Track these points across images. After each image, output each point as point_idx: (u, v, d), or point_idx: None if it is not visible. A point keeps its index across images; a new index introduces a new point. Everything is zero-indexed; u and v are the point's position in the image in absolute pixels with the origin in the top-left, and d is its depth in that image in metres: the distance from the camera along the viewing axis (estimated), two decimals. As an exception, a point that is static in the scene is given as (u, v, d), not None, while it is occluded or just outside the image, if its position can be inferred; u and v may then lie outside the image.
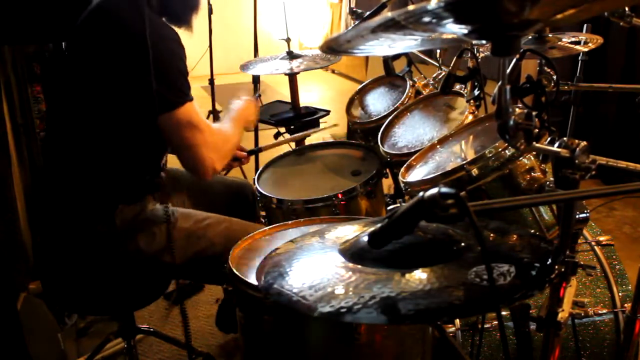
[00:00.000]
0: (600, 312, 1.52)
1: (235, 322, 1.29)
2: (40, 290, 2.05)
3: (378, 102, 2.22)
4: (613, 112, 3.55)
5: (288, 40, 2.53)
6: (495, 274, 0.77)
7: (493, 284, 0.73)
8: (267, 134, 2.92)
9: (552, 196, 0.92)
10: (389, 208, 1.92)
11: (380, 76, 2.35)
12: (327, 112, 2.49)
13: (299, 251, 0.98)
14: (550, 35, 1.93)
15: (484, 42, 1.67)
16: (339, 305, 0.75)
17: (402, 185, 1.48)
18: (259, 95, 2.15)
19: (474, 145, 1.54)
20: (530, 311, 1.42)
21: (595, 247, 1.62)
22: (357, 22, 2.23)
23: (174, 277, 1.78)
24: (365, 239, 0.85)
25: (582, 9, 0.75)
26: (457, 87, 1.82)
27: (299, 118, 2.46)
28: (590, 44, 1.90)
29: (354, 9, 2.31)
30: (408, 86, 2.08)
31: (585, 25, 2.08)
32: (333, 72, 7.10)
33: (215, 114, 3.74)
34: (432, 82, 2.15)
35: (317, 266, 0.90)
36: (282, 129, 2.48)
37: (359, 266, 0.84)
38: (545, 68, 1.19)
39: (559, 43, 1.90)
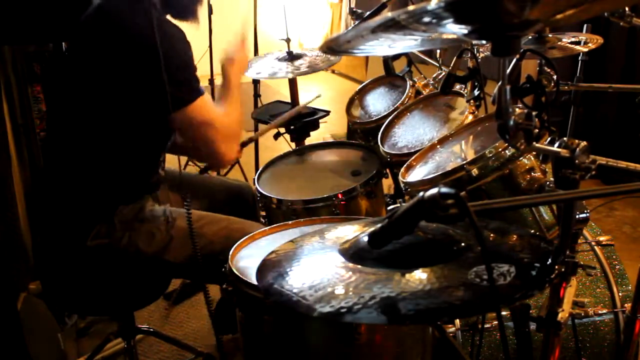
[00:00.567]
0: (600, 312, 1.52)
1: (231, 322, 1.29)
2: (40, 290, 2.05)
3: (378, 102, 2.22)
4: (613, 112, 3.55)
5: (288, 40, 2.53)
6: (495, 274, 0.77)
7: (493, 284, 0.73)
8: (267, 134, 2.91)
9: (552, 196, 0.92)
10: (389, 208, 1.92)
11: (380, 76, 2.35)
12: (327, 113, 2.49)
13: (299, 251, 0.98)
14: (550, 35, 1.93)
15: (484, 42, 1.67)
16: (339, 305, 0.75)
17: (402, 185, 1.48)
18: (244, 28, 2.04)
19: (474, 145, 1.54)
20: (530, 311, 1.42)
21: (595, 247, 1.62)
22: (357, 22, 2.23)
23: (174, 276, 1.78)
24: (365, 239, 0.85)
25: (582, 9, 0.75)
26: (457, 87, 1.82)
27: (299, 118, 2.46)
28: (590, 44, 1.90)
29: (354, 9, 2.31)
30: (408, 86, 2.08)
31: (585, 25, 2.08)
32: (333, 72, 7.10)
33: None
34: (432, 82, 2.15)
35: (317, 266, 0.90)
36: (282, 129, 2.47)
37: (359, 266, 0.84)
38: (545, 68, 1.19)
39: (559, 43, 1.90)
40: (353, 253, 0.88)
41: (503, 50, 0.79)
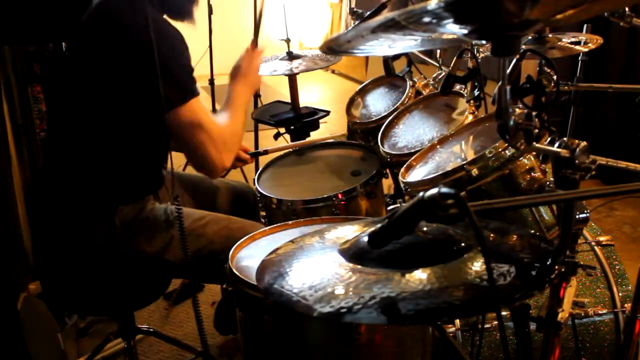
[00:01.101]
0: (600, 312, 1.52)
1: (233, 323, 1.29)
2: (40, 290, 2.05)
3: (378, 102, 2.22)
4: (613, 112, 3.55)
5: (288, 40, 2.53)
6: (495, 274, 0.77)
7: (493, 284, 0.73)
8: (267, 134, 2.92)
9: (552, 196, 0.92)
10: (389, 208, 1.92)
11: (380, 76, 2.35)
12: (327, 113, 2.49)
13: (299, 251, 0.98)
14: (550, 35, 1.93)
15: (484, 42, 1.67)
16: (339, 305, 0.75)
17: (402, 185, 1.48)
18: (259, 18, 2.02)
19: (474, 145, 1.54)
20: (530, 311, 1.42)
21: (595, 247, 1.62)
22: (357, 22, 2.23)
23: (174, 276, 1.78)
24: (365, 239, 0.85)
25: (582, 9, 0.75)
26: (457, 87, 1.82)
27: (299, 118, 2.46)
28: (590, 44, 1.90)
29: (354, 9, 2.31)
30: (408, 86, 2.08)
31: (585, 25, 2.08)
32: (333, 72, 7.10)
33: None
34: (432, 82, 2.14)
35: (317, 266, 0.90)
36: (282, 129, 2.47)
37: (359, 266, 0.84)
38: (545, 68, 1.19)
39: (559, 43, 1.90)
40: (353, 253, 0.88)
41: (503, 50, 0.79)
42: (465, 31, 0.76)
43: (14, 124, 2.33)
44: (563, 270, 1.02)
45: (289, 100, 2.57)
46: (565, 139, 0.92)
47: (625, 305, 1.52)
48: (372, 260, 0.83)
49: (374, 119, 2.05)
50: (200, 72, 3.83)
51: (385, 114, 2.01)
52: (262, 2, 1.89)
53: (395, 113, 1.97)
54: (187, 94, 1.51)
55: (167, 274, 1.70)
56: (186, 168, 2.76)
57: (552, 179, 1.29)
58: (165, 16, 1.60)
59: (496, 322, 1.48)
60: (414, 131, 1.85)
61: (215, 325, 2.27)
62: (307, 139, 2.37)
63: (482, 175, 1.30)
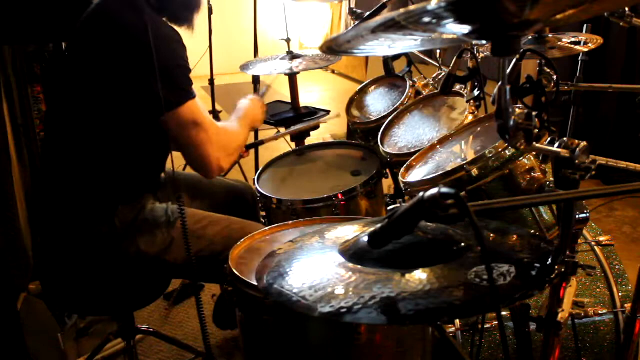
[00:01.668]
0: (600, 312, 1.52)
1: (232, 318, 1.29)
2: (40, 291, 2.05)
3: (378, 102, 2.22)
4: (613, 112, 3.55)
5: (288, 40, 2.53)
6: (495, 274, 0.77)
7: (493, 284, 0.73)
8: (267, 134, 2.92)
9: (552, 196, 0.92)
10: (389, 208, 1.92)
11: (380, 76, 2.35)
12: (327, 112, 2.49)
13: (299, 251, 0.98)
14: (550, 36, 1.93)
15: (484, 42, 1.67)
16: (339, 305, 0.75)
17: (402, 185, 1.48)
18: (265, 90, 2.15)
19: (474, 145, 1.54)
20: (530, 311, 1.42)
21: (595, 247, 1.62)
22: (357, 23, 2.23)
23: (174, 276, 1.78)
24: (365, 239, 0.85)
25: (582, 9, 0.75)
26: (457, 87, 1.82)
27: (299, 118, 2.46)
28: (590, 44, 1.90)
29: (354, 9, 2.31)
30: (408, 86, 2.08)
31: (585, 25, 2.08)
32: (333, 72, 7.10)
33: (215, 114, 3.74)
34: (432, 82, 2.15)
35: (317, 266, 0.90)
36: (282, 129, 2.48)
37: (359, 266, 0.84)
38: (545, 68, 1.19)
39: (559, 43, 1.90)
40: (353, 253, 0.88)
41: (503, 50, 0.79)
42: (465, 31, 0.76)
43: (14, 124, 2.33)
44: (563, 270, 1.02)
45: (289, 100, 2.57)
46: (565, 139, 0.92)
47: (625, 305, 1.52)
48: (372, 260, 0.83)
49: (374, 119, 2.05)
50: (200, 72, 3.85)
51: (385, 114, 2.02)
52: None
53: (395, 113, 1.97)
54: (185, 95, 1.51)
55: (167, 274, 1.70)
56: (186, 168, 2.76)
57: (552, 179, 1.29)
58: (164, 19, 1.60)
59: (496, 322, 1.48)
60: (414, 131, 1.85)
61: (214, 320, 2.27)
62: (303, 126, 2.36)
63: (482, 175, 1.30)
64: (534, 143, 0.95)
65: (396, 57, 2.28)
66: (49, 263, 1.63)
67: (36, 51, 2.39)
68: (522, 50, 1.21)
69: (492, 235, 0.94)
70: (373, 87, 2.34)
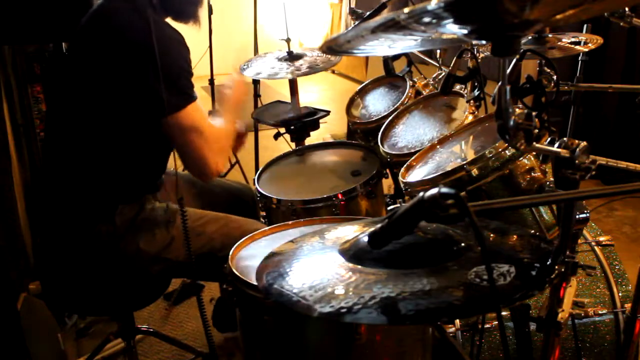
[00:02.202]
0: (600, 312, 1.52)
1: (231, 320, 1.29)
2: (40, 290, 2.05)
3: (378, 102, 2.22)
4: (613, 112, 3.55)
5: (288, 40, 2.53)
6: (495, 274, 0.77)
7: (493, 284, 0.73)
8: (267, 134, 2.92)
9: (552, 196, 0.92)
10: (389, 208, 1.92)
11: (380, 76, 2.35)
12: (327, 113, 2.49)
13: (299, 251, 0.98)
14: (550, 35, 1.93)
15: (484, 42, 1.66)
16: (339, 305, 0.75)
17: (402, 185, 1.48)
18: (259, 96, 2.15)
19: (474, 145, 1.54)
20: (530, 311, 1.42)
21: (595, 247, 1.62)
22: (357, 22, 2.23)
23: (174, 276, 1.78)
24: (365, 239, 0.85)
25: (582, 9, 0.75)
26: (457, 87, 1.82)
27: (299, 118, 2.46)
28: (590, 44, 1.90)
29: (354, 9, 2.31)
30: (408, 86, 2.08)
31: (585, 25, 2.08)
32: (333, 72, 7.10)
33: (215, 114, 3.74)
34: (432, 82, 2.14)
35: (317, 266, 0.90)
36: (282, 129, 2.47)
37: (359, 266, 0.84)
38: (545, 68, 1.19)
39: (559, 43, 1.90)
40: (353, 253, 0.88)
41: (503, 50, 0.79)
42: (465, 31, 0.76)
43: (14, 124, 2.33)
44: (563, 270, 1.02)
45: (289, 100, 2.57)
46: (565, 139, 0.92)
47: (625, 305, 1.52)
48: (372, 260, 0.83)
49: (374, 119, 2.05)
50: (200, 72, 3.86)
51: (385, 114, 2.02)
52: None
53: (395, 113, 1.97)
54: (186, 99, 1.51)
55: (168, 273, 1.70)
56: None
57: (552, 179, 1.29)
58: (169, 19, 1.60)
59: (496, 322, 1.48)
60: (414, 131, 1.85)
61: (214, 323, 2.26)
62: (305, 138, 2.37)
63: (482, 175, 1.30)
64: (534, 143, 0.95)
65: (396, 57, 2.28)
66: (49, 263, 1.63)
67: (36, 51, 2.39)
68: (522, 50, 1.21)
69: (492, 235, 0.94)
70: (373, 87, 2.34)
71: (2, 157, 2.13)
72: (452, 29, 0.76)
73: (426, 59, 2.49)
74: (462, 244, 0.86)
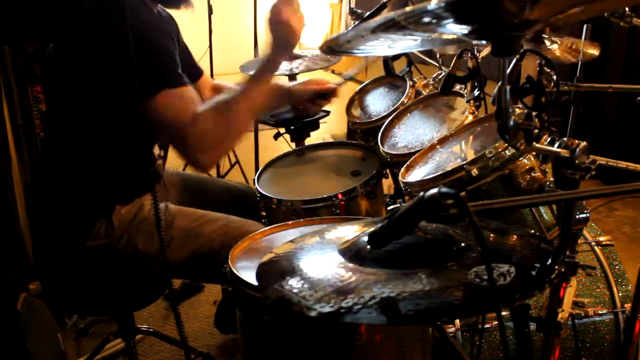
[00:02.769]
0: (600, 312, 1.52)
1: (234, 322, 1.29)
2: (40, 291, 2.05)
3: (378, 102, 2.22)
4: (613, 113, 3.55)
5: (288, 40, 2.52)
6: (495, 274, 0.77)
7: (493, 284, 0.73)
8: (267, 134, 2.92)
9: (552, 196, 0.92)
10: (389, 208, 1.92)
11: (380, 76, 2.35)
12: (327, 113, 2.49)
13: (299, 251, 0.98)
14: (548, 37, 1.93)
15: (484, 42, 1.66)
16: (339, 305, 0.75)
17: (402, 185, 1.48)
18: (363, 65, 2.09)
19: (474, 145, 1.54)
20: (530, 311, 1.42)
21: (595, 247, 1.62)
22: (357, 22, 2.23)
23: (173, 276, 1.78)
24: (365, 239, 0.85)
25: (582, 9, 0.75)
26: (457, 87, 1.82)
27: (299, 119, 2.46)
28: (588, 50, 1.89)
29: (354, 9, 2.31)
30: (408, 86, 2.08)
31: (585, 26, 2.08)
32: (333, 72, 7.10)
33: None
34: (432, 82, 2.14)
35: (317, 266, 0.90)
36: (282, 129, 2.47)
37: (359, 266, 0.84)
38: (545, 68, 1.19)
39: (554, 49, 1.89)
40: (353, 253, 0.88)
41: (503, 50, 0.79)
42: (465, 31, 0.76)
43: (14, 124, 2.33)
44: (563, 270, 1.02)
45: (288, 100, 2.57)
46: (565, 139, 0.92)
47: (625, 305, 1.52)
48: (372, 260, 0.83)
49: (374, 119, 2.05)
50: (200, 72, 3.86)
51: (385, 114, 2.02)
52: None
53: (395, 113, 1.97)
54: (161, 83, 1.42)
55: (167, 274, 1.70)
56: (186, 167, 2.76)
57: (552, 179, 1.29)
58: (160, 6, 1.59)
59: (496, 322, 1.48)
60: (414, 131, 1.85)
61: (216, 324, 2.27)
62: (305, 138, 2.36)
63: (482, 175, 1.30)
64: (534, 143, 0.95)
65: (396, 57, 2.28)
66: (49, 263, 1.63)
67: (36, 51, 2.39)
68: (522, 50, 1.21)
69: (492, 235, 0.94)
70: (373, 87, 2.34)
71: (2, 157, 2.13)
72: (452, 29, 0.76)
73: (426, 59, 2.49)
74: (462, 244, 0.86)
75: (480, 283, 0.76)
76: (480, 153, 1.32)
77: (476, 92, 1.69)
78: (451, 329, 1.47)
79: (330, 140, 2.33)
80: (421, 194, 0.69)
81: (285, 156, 2.15)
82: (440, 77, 2.08)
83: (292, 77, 2.44)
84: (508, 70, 0.86)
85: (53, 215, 1.61)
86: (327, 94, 1.92)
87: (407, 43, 0.86)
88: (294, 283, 0.84)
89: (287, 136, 2.40)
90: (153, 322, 2.40)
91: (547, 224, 1.33)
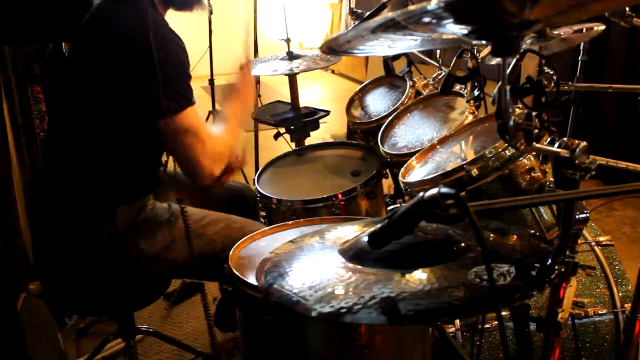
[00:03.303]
0: (600, 312, 1.52)
1: (233, 320, 1.30)
2: (40, 291, 2.05)
3: (378, 102, 2.22)
4: (613, 113, 3.55)
5: (288, 40, 2.53)
6: (495, 274, 0.77)
7: (493, 284, 0.73)
8: (267, 134, 2.92)
9: (552, 196, 0.92)
10: (389, 208, 1.92)
11: (380, 76, 2.35)
12: (327, 113, 2.49)
13: (299, 251, 0.98)
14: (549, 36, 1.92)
15: (484, 42, 1.66)
16: (339, 305, 0.75)
17: (402, 185, 1.48)
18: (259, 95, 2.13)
19: (474, 145, 1.54)
20: (530, 311, 1.42)
21: (595, 247, 1.62)
22: (357, 23, 2.23)
23: (175, 277, 1.78)
24: (365, 239, 0.85)
25: (582, 9, 0.75)
26: (457, 87, 1.82)
27: (299, 118, 2.46)
28: (594, 29, 1.85)
29: (354, 9, 2.31)
30: (408, 86, 2.08)
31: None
32: (333, 72, 7.10)
33: (215, 114, 3.74)
34: (432, 82, 2.14)
35: (317, 266, 0.90)
36: (282, 129, 2.48)
37: (359, 266, 0.84)
38: (545, 68, 1.19)
39: (560, 33, 1.86)
40: (353, 253, 0.88)
41: (503, 50, 0.79)
42: (465, 31, 0.76)
43: (14, 124, 2.33)
44: (563, 270, 1.02)
45: (289, 100, 2.57)
46: (565, 139, 0.92)
47: (625, 305, 1.52)
48: (372, 260, 0.83)
49: (374, 119, 2.05)
50: (200, 72, 3.86)
51: (385, 114, 2.02)
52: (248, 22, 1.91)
53: (395, 113, 1.97)
54: (183, 102, 1.49)
55: (168, 274, 1.70)
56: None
57: (552, 179, 1.29)
58: (171, 10, 1.59)
59: (496, 322, 1.48)
60: (414, 131, 1.85)
61: (216, 323, 2.26)
62: (305, 138, 2.37)
63: (482, 176, 1.30)
64: (534, 143, 0.95)
65: (396, 57, 2.28)
66: (49, 263, 1.63)
67: (36, 51, 2.39)
68: (522, 50, 1.21)
69: (492, 235, 0.94)
70: (373, 87, 2.34)
71: (2, 157, 2.13)
72: (452, 29, 0.76)
73: (426, 59, 2.49)
74: (462, 244, 0.86)
75: (480, 283, 0.76)
76: (480, 153, 1.32)
77: (476, 92, 1.69)
78: (451, 329, 1.47)
79: (330, 140, 2.33)
80: (421, 194, 0.69)
81: (285, 156, 2.15)
82: (440, 77, 2.08)
83: (292, 76, 2.44)
84: (508, 70, 0.86)
85: (55, 215, 1.61)
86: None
87: (407, 43, 0.86)
88: (294, 283, 0.84)
89: (287, 136, 2.40)
90: (153, 322, 2.40)
91: (547, 224, 1.33)
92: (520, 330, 1.46)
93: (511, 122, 0.87)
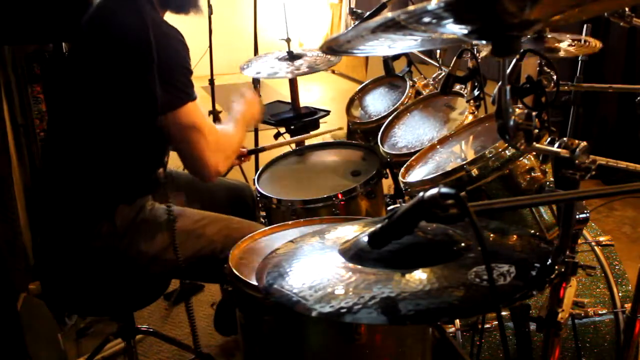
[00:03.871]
0: (600, 312, 1.52)
1: (233, 324, 1.29)
2: (40, 291, 2.05)
3: (378, 102, 2.22)
4: (613, 113, 3.55)
5: (288, 40, 2.53)
6: (495, 274, 0.77)
7: (493, 284, 0.73)
8: (267, 134, 2.92)
9: (552, 196, 0.92)
10: (389, 208, 1.92)
11: (380, 76, 2.35)
12: (327, 112, 2.49)
13: (299, 251, 0.98)
14: (549, 36, 1.92)
15: (484, 42, 1.66)
16: (339, 305, 0.75)
17: (402, 185, 1.48)
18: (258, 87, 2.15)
19: (474, 145, 1.54)
20: (530, 311, 1.42)
21: (595, 247, 1.62)
22: (357, 23, 2.23)
23: (174, 277, 1.78)
24: (365, 239, 0.85)
25: (582, 9, 0.75)
26: (457, 87, 1.82)
27: (299, 118, 2.46)
28: (589, 44, 1.88)
29: (354, 9, 2.31)
30: (408, 86, 2.08)
31: (585, 26, 2.08)
32: (333, 72, 7.10)
33: (215, 114, 3.74)
34: (432, 82, 2.14)
35: (317, 266, 0.90)
36: (282, 129, 2.48)
37: (359, 266, 0.84)
38: (545, 68, 1.19)
39: (559, 45, 1.88)
40: (353, 253, 0.88)
41: (503, 50, 0.79)
42: (465, 31, 0.76)
43: (14, 124, 2.33)
44: (563, 270, 1.02)
45: (289, 100, 2.57)
46: (565, 139, 0.92)
47: (625, 305, 1.52)
48: (372, 260, 0.83)
49: (374, 119, 2.05)
50: (200, 72, 3.86)
51: (385, 114, 2.02)
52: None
53: (395, 113, 1.97)
54: (185, 96, 1.50)
55: (167, 274, 1.70)
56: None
57: (552, 179, 1.29)
58: (169, 12, 1.60)
59: (496, 322, 1.48)
60: (414, 131, 1.85)
61: (216, 326, 2.26)
62: (305, 136, 2.36)
63: (482, 176, 1.30)
64: (534, 143, 0.95)
65: (396, 57, 2.28)
66: (49, 263, 1.63)
67: (36, 51, 2.39)
68: (522, 50, 1.21)
69: (492, 235, 0.94)
70: (373, 87, 2.34)
71: (2, 157, 2.13)
72: (452, 29, 0.76)
73: (426, 59, 2.49)
74: (462, 244, 0.86)
75: (480, 283, 0.76)
76: (480, 153, 1.32)
77: (476, 92, 1.69)
78: (451, 329, 1.47)
79: (330, 140, 2.33)
80: (421, 194, 0.69)
81: (285, 156, 2.15)
82: (440, 77, 2.08)
83: (292, 79, 2.45)
84: (508, 70, 0.86)
85: (55, 215, 1.61)
86: None
87: (407, 43, 0.86)
88: (294, 283, 0.84)
89: (287, 136, 2.40)
90: (153, 322, 2.40)
91: (547, 224, 1.33)
92: (520, 330, 1.46)
93: (511, 122, 0.87)
